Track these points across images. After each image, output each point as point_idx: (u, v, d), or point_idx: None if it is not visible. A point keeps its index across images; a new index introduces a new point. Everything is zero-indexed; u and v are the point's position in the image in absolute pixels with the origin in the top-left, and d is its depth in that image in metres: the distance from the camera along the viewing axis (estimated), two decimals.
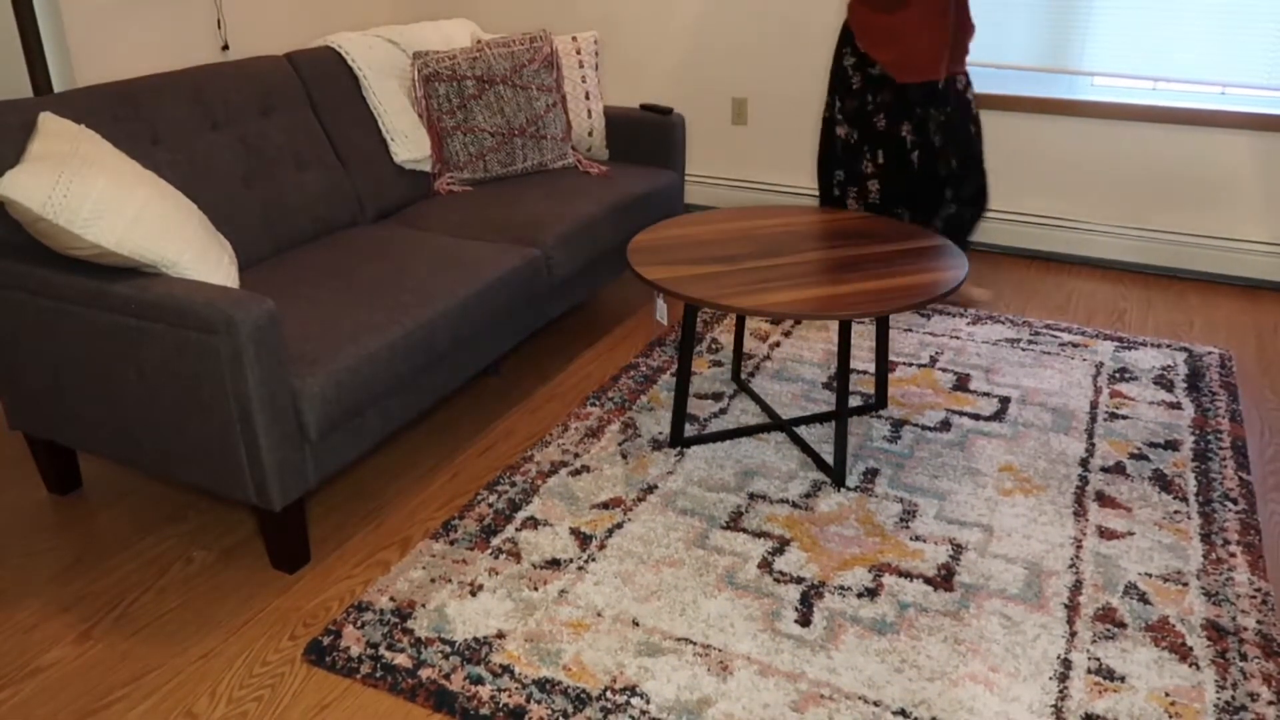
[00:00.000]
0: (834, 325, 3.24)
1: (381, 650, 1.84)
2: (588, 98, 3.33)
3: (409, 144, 3.05)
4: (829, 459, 2.44)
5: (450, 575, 2.04)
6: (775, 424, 2.59)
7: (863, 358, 3.00)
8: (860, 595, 1.98)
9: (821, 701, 1.71)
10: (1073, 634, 1.87)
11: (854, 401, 2.73)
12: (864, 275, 2.25)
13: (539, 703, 1.71)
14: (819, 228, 2.57)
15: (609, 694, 1.73)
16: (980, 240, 3.96)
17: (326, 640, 1.87)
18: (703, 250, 2.41)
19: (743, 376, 2.88)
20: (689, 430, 2.58)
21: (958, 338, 3.14)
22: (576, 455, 2.48)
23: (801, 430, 2.58)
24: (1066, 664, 1.80)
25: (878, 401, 2.69)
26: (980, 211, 3.21)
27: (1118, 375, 2.89)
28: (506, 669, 1.78)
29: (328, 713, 1.72)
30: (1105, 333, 3.17)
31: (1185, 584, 2.01)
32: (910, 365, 2.96)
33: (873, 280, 2.22)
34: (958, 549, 2.12)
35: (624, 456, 2.47)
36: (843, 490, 2.32)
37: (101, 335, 1.96)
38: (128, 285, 1.90)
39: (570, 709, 1.69)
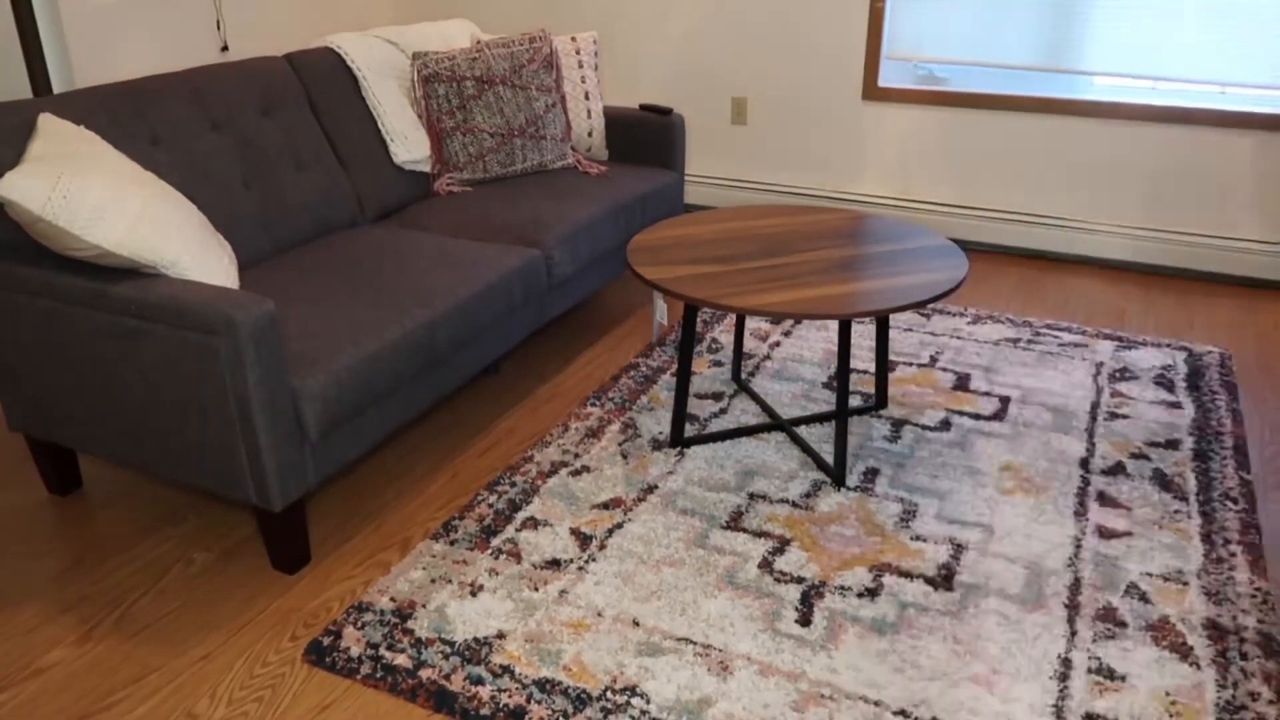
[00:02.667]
0: (834, 325, 3.24)
1: (382, 651, 1.84)
2: (587, 98, 3.33)
3: (408, 144, 3.05)
4: (829, 459, 2.43)
5: (450, 576, 2.04)
6: (775, 424, 2.59)
7: (863, 357, 3.00)
8: (860, 595, 1.97)
9: (822, 701, 1.71)
10: (1073, 633, 1.87)
11: (854, 401, 2.73)
12: (864, 275, 2.25)
13: (539, 703, 1.71)
14: (819, 228, 2.57)
15: (609, 694, 1.73)
16: (980, 240, 3.96)
17: (327, 641, 1.87)
18: (703, 250, 2.41)
19: (743, 376, 2.88)
20: (689, 430, 2.58)
21: (958, 337, 3.14)
22: (577, 455, 2.48)
23: (801, 430, 2.57)
24: (1067, 663, 1.80)
25: (878, 401, 2.69)
26: None
27: (1118, 375, 2.89)
28: (507, 669, 1.78)
29: (328, 713, 1.72)
30: (1105, 332, 3.17)
31: (1186, 583, 2.01)
32: (910, 365, 2.96)
33: (873, 280, 2.21)
34: (958, 549, 2.12)
35: (624, 457, 2.46)
36: (843, 490, 2.32)
37: (102, 336, 1.96)
38: (128, 286, 1.90)
39: (570, 709, 1.69)
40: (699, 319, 3.31)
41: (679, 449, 2.49)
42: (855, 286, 2.18)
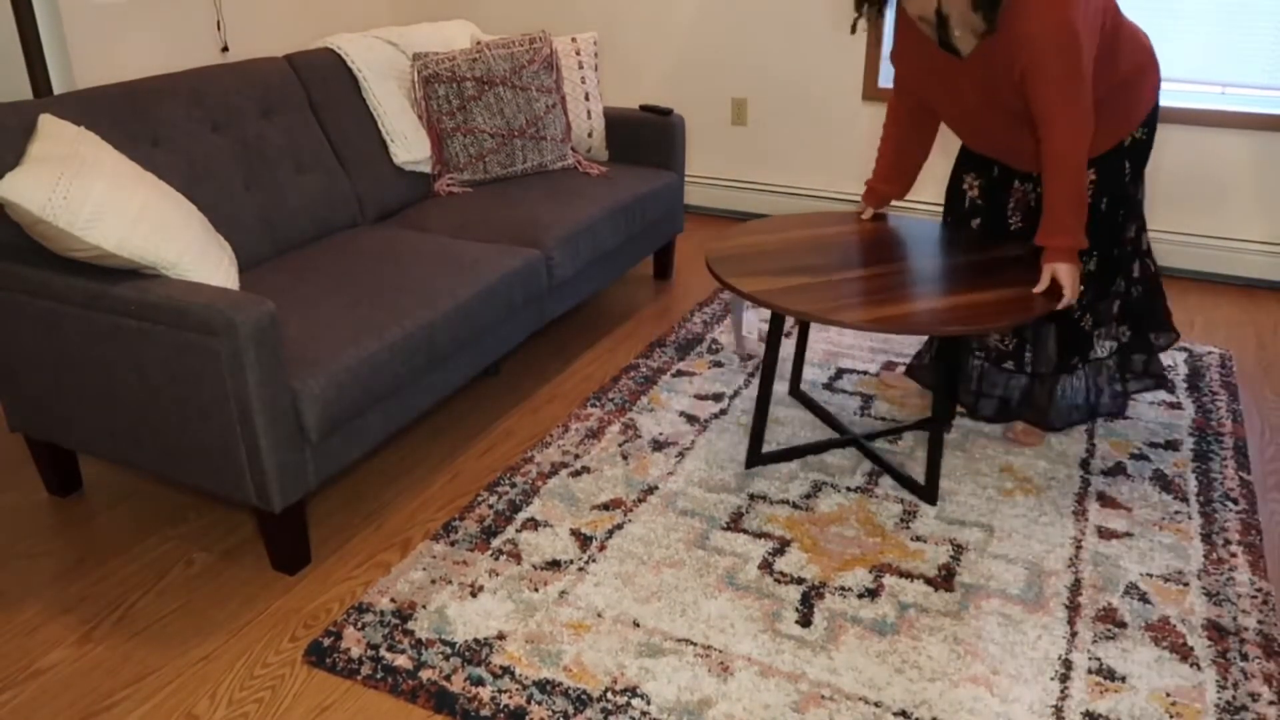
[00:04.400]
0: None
1: (382, 651, 1.84)
2: (587, 99, 3.33)
3: (409, 145, 3.05)
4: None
5: (451, 576, 2.04)
6: (846, 440, 2.49)
7: (862, 358, 3.00)
8: (861, 596, 1.97)
9: (822, 702, 1.71)
10: (1073, 634, 1.87)
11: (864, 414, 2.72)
12: (960, 286, 2.12)
13: (539, 704, 1.71)
14: (888, 235, 2.44)
15: (609, 695, 1.73)
16: None
17: (327, 642, 1.87)
18: (783, 260, 2.26)
19: (800, 388, 2.80)
20: (692, 433, 2.57)
21: None
22: (577, 456, 2.48)
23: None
24: (1067, 664, 1.80)
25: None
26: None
27: None
28: (507, 670, 1.78)
29: (328, 714, 1.72)
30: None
31: (1186, 584, 2.01)
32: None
33: (972, 293, 2.09)
34: (958, 549, 2.12)
35: (624, 458, 2.47)
36: (844, 491, 2.32)
37: (101, 337, 1.96)
38: (128, 287, 1.90)
39: (571, 710, 1.69)
40: (697, 319, 3.30)
41: (753, 467, 2.41)
42: (963, 299, 2.05)
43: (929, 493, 2.27)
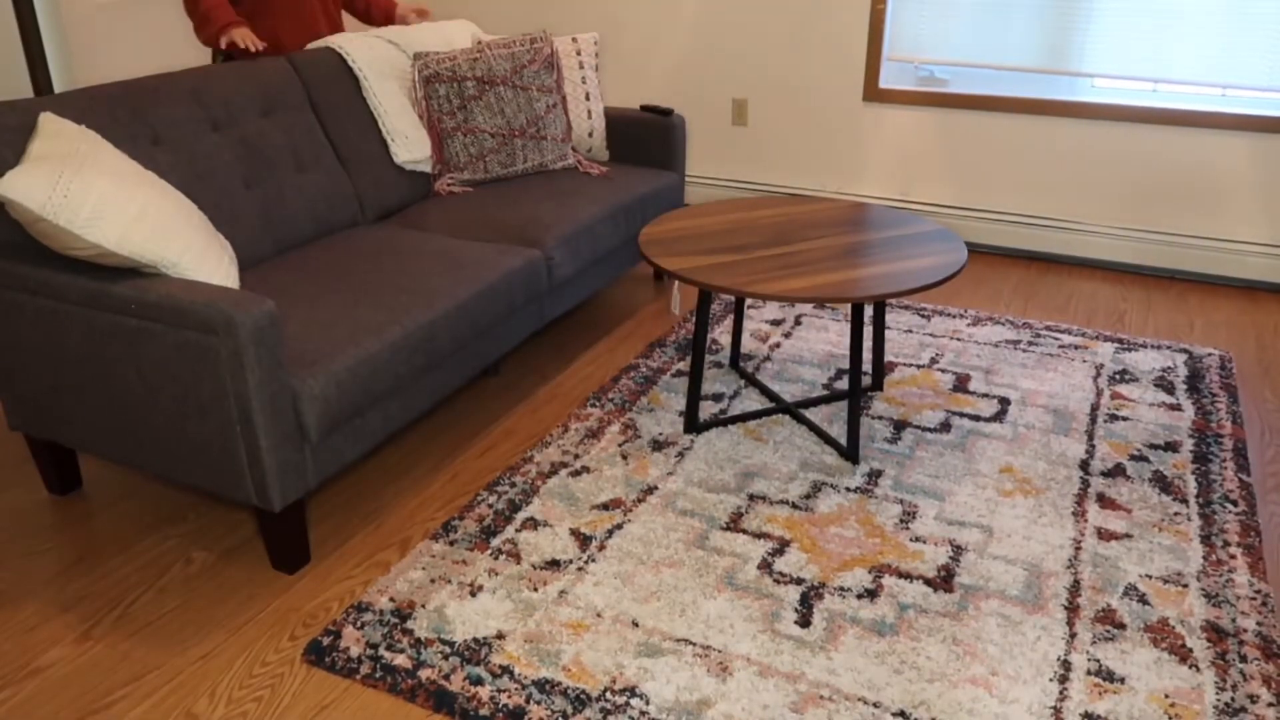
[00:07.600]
0: (833, 326, 3.24)
1: (381, 651, 1.84)
2: (588, 98, 3.33)
3: (409, 145, 3.05)
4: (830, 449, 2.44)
5: (450, 576, 2.04)
6: (782, 408, 2.66)
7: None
8: (860, 596, 1.98)
9: (821, 703, 1.71)
10: (1072, 635, 1.87)
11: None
12: (873, 259, 2.34)
13: (539, 703, 1.71)
14: (819, 216, 2.59)
15: (608, 695, 1.73)
16: (981, 242, 3.96)
17: (326, 641, 1.87)
18: (714, 240, 2.47)
19: (742, 365, 2.88)
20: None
21: (958, 339, 3.14)
22: (576, 456, 2.48)
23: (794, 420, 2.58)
24: (1066, 665, 1.80)
25: (874, 383, 2.77)
26: None
27: (1118, 377, 2.89)
28: (506, 669, 1.78)
29: (327, 713, 1.72)
30: (1105, 334, 3.17)
31: (1185, 585, 2.01)
32: (910, 366, 2.96)
33: (883, 264, 2.30)
34: (958, 550, 2.12)
35: (624, 457, 2.47)
36: (844, 491, 2.32)
37: (101, 336, 1.96)
38: (128, 286, 1.90)
39: (570, 710, 1.69)
40: (694, 316, 3.30)
41: (693, 434, 2.54)
42: (868, 271, 2.25)
43: (851, 453, 2.43)
